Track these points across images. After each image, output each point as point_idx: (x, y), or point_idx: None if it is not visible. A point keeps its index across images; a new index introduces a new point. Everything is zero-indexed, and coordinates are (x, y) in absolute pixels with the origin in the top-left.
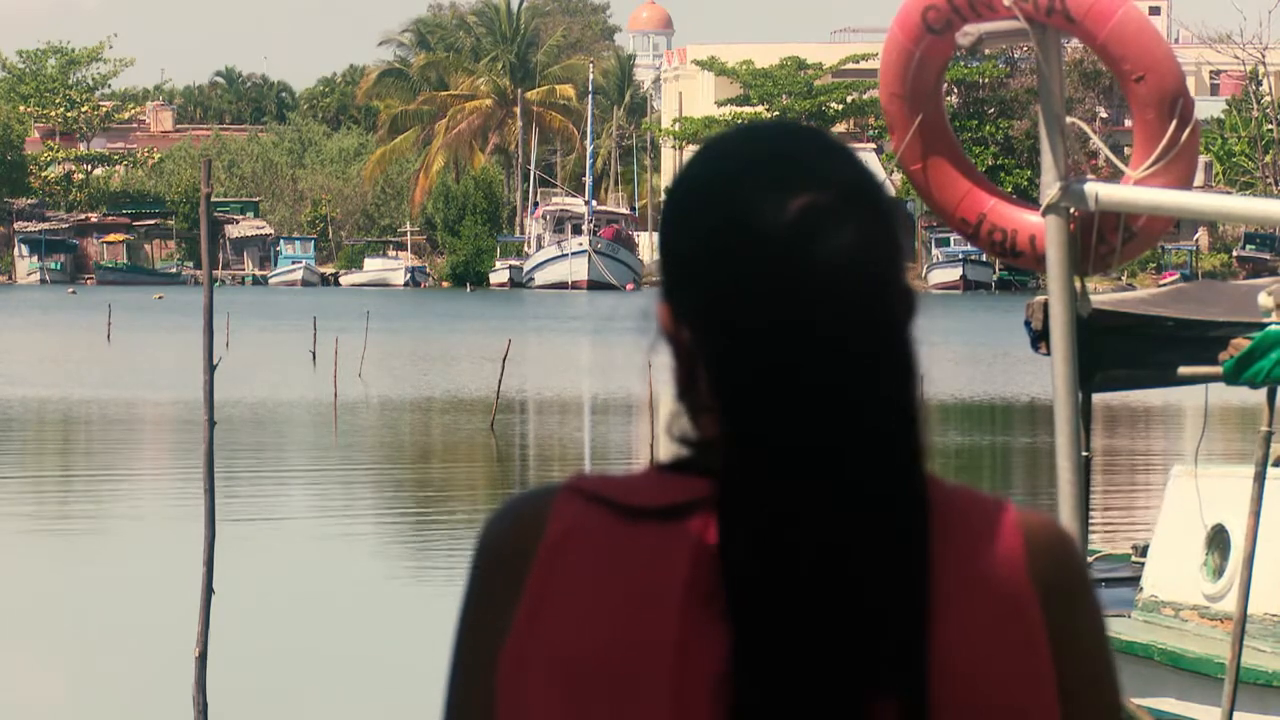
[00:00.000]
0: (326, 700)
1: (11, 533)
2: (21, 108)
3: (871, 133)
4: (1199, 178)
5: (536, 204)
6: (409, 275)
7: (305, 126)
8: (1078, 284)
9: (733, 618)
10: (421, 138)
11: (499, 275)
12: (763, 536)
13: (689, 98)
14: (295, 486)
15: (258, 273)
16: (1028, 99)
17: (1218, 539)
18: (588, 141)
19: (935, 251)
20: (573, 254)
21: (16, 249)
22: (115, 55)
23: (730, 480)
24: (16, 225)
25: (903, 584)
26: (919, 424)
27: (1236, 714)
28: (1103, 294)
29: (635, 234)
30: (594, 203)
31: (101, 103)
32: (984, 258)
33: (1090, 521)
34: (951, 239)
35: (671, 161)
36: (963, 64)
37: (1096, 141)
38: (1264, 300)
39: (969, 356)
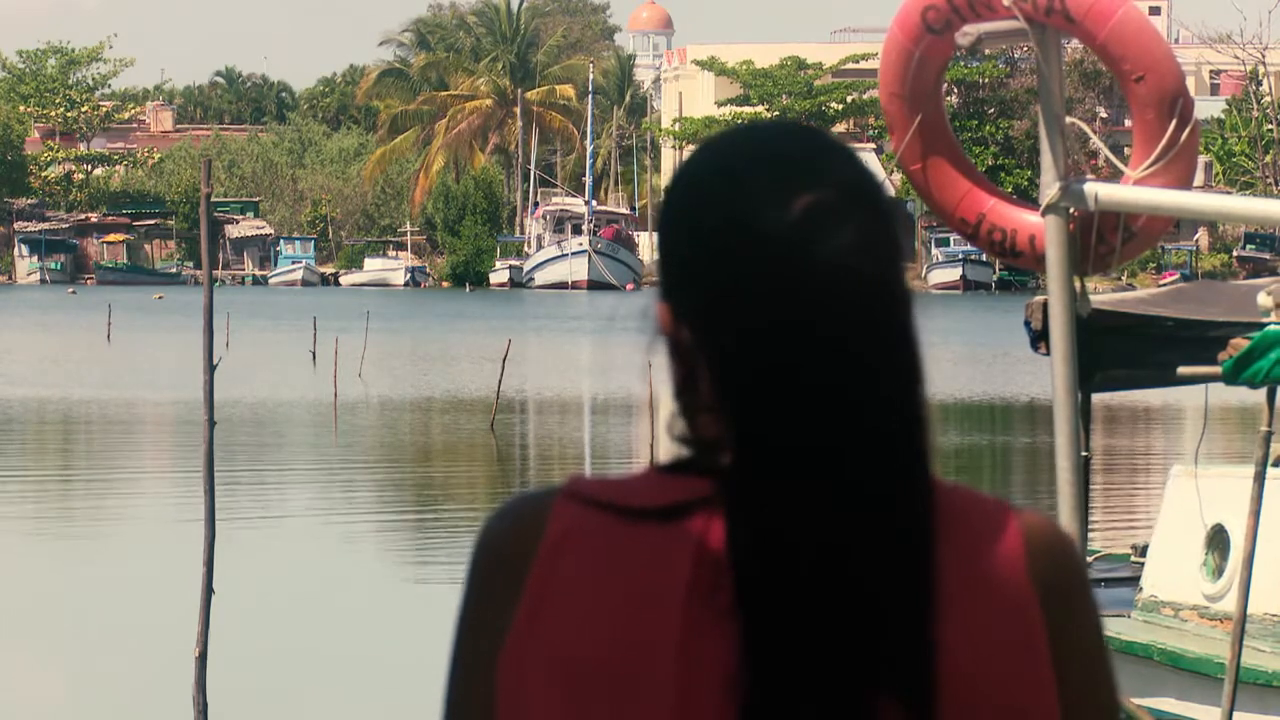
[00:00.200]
0: (326, 700)
1: (11, 533)
2: (21, 108)
3: (871, 133)
4: (1199, 178)
5: (536, 204)
6: (409, 275)
7: (305, 126)
8: (1077, 284)
9: (740, 616)
10: (421, 138)
11: (499, 275)
12: (764, 536)
13: (689, 98)
14: (295, 486)
15: (258, 273)
16: (1028, 99)
17: (1217, 539)
18: (588, 141)
19: (935, 251)
20: (573, 254)
21: (16, 249)
22: (115, 55)
23: (732, 479)
24: (16, 225)
25: (905, 584)
26: (922, 425)
27: (1236, 714)
28: (1102, 294)
29: (635, 234)
30: (594, 203)
31: (101, 103)
32: (984, 258)
33: (1090, 521)
34: (951, 239)
35: (671, 161)
36: (963, 64)
37: (1096, 141)
38: (1263, 300)
39: (969, 356)
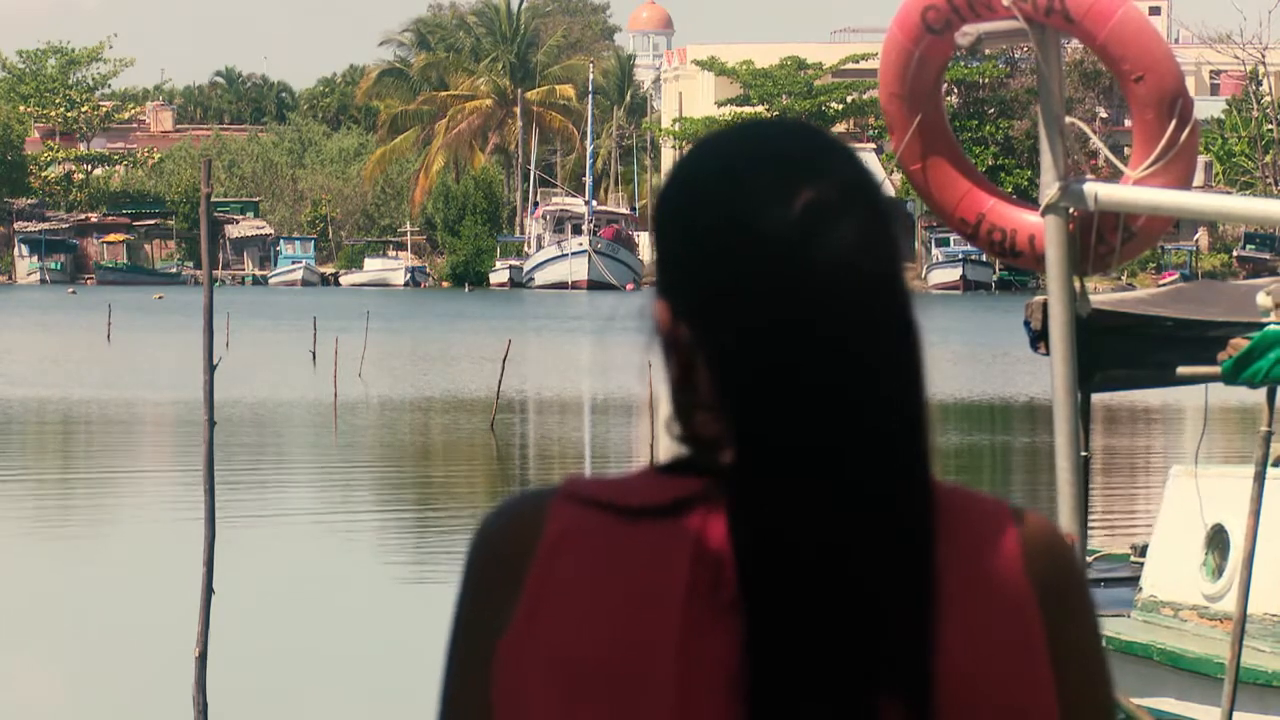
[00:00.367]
0: (326, 700)
1: (12, 533)
2: (21, 108)
3: (871, 133)
4: (1199, 178)
5: (536, 204)
6: (409, 275)
7: (305, 126)
8: (1077, 284)
9: (743, 615)
10: (421, 138)
11: (499, 275)
12: (764, 535)
13: (689, 98)
14: (295, 486)
15: (258, 273)
16: (1028, 99)
17: (1217, 539)
18: (588, 141)
19: (935, 251)
20: (573, 254)
21: (16, 249)
22: (115, 55)
23: (732, 478)
24: (16, 225)
25: (906, 584)
26: (922, 424)
27: (1236, 714)
28: (1102, 294)
29: (635, 234)
30: (594, 203)
31: (101, 103)
32: (984, 258)
33: (1089, 521)
34: (951, 239)
35: (671, 161)
36: (963, 64)
37: (1096, 141)
38: (1262, 300)
39: (969, 356)
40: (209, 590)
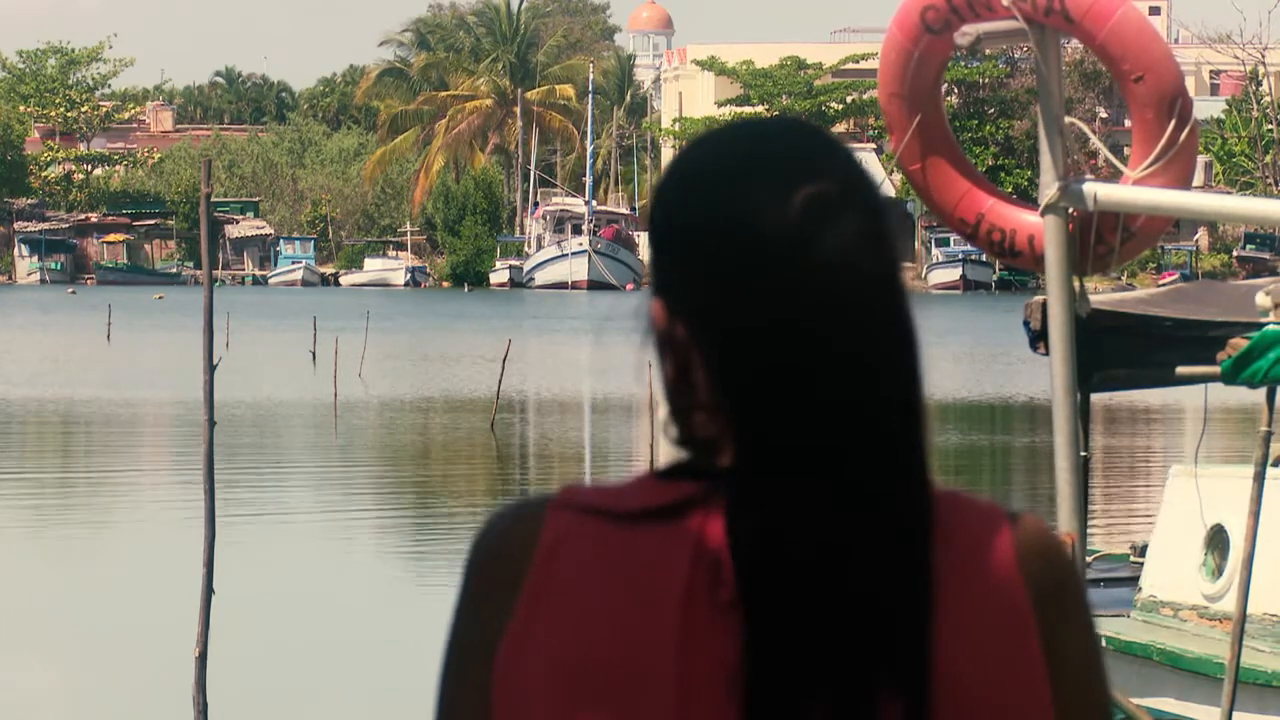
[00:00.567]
0: (327, 700)
1: (12, 532)
2: (21, 108)
3: (871, 133)
4: (1199, 178)
5: (536, 204)
6: (409, 275)
7: (305, 126)
8: (1076, 284)
9: (743, 614)
10: (421, 138)
11: (499, 275)
12: (764, 535)
13: (689, 98)
14: (295, 486)
15: (258, 273)
16: (1028, 99)
17: (1217, 539)
18: (588, 141)
19: (935, 251)
20: (573, 254)
21: (16, 249)
22: (115, 55)
23: (732, 478)
24: (16, 225)
25: (904, 583)
26: (921, 424)
27: (1236, 714)
28: (1102, 294)
29: (635, 234)
30: (594, 203)
31: (101, 103)
32: (984, 258)
33: (1089, 521)
34: (951, 239)
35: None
36: (963, 64)
37: (1095, 142)
38: (1262, 300)
39: (968, 356)
40: (209, 590)
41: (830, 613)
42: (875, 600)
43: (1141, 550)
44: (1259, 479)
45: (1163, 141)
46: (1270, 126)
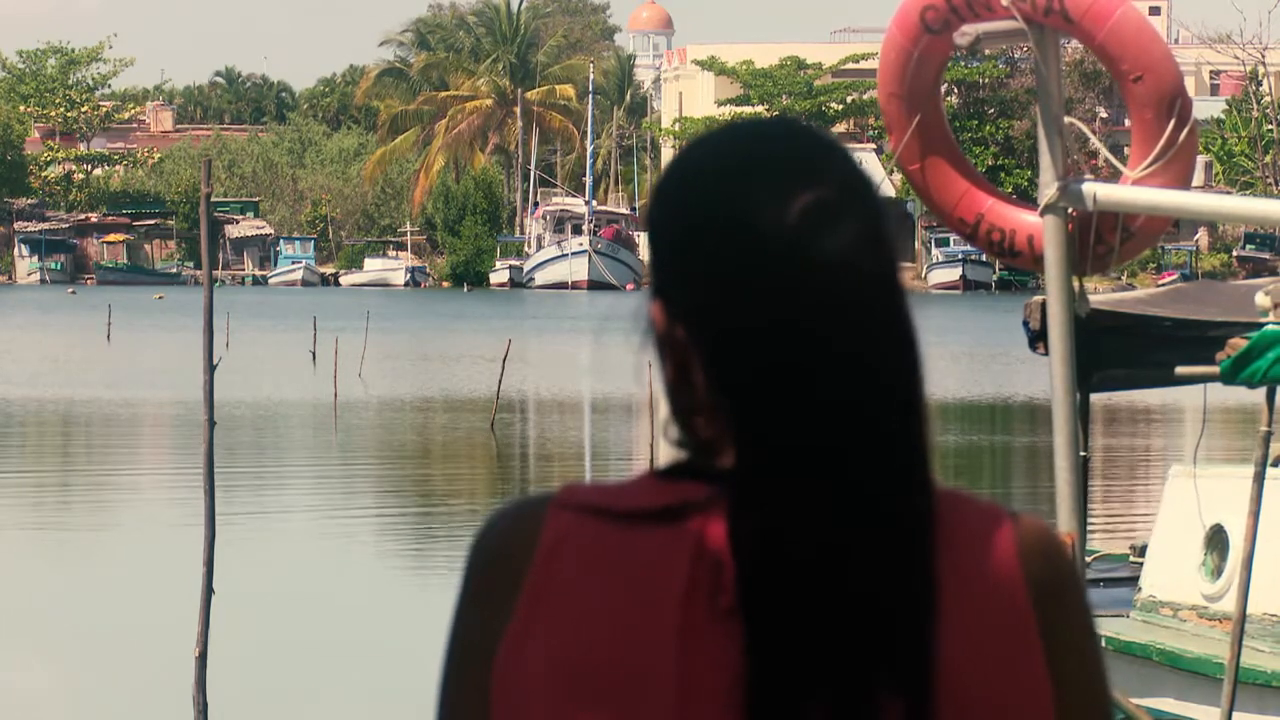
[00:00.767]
0: (327, 700)
1: (12, 532)
2: (21, 108)
3: (871, 133)
4: (1199, 177)
5: (536, 204)
6: (409, 275)
7: (305, 126)
8: (1076, 284)
9: (745, 615)
10: (421, 138)
11: (499, 275)
12: (764, 535)
13: (689, 98)
14: (295, 486)
15: (258, 273)
16: (1028, 99)
17: (1216, 539)
18: (588, 141)
19: (935, 251)
20: (573, 254)
21: (16, 249)
22: (115, 55)
23: (733, 478)
24: (16, 225)
25: (905, 583)
26: (922, 423)
27: (1235, 714)
28: (1102, 294)
29: (635, 234)
30: (594, 203)
31: (101, 103)
32: (984, 258)
33: (1088, 521)
34: (951, 239)
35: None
36: (963, 64)
37: (1095, 142)
38: (1261, 300)
39: (968, 356)
40: (209, 590)
41: (831, 613)
42: (876, 600)
43: (1141, 550)
44: (1259, 479)
45: (1162, 141)
46: (1270, 126)
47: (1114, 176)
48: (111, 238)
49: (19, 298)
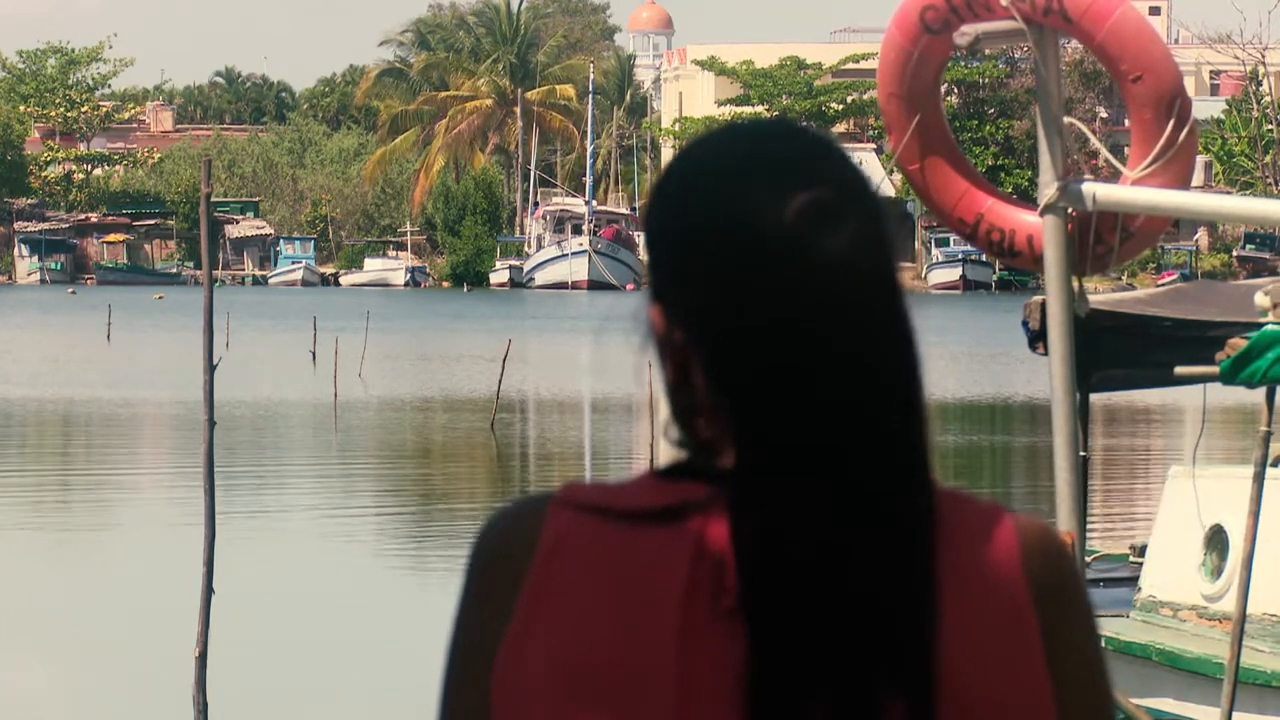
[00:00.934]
0: (326, 700)
1: (11, 532)
2: (21, 108)
3: (871, 133)
4: (1199, 177)
5: (536, 204)
6: (409, 275)
7: (305, 126)
8: (1075, 284)
9: (746, 615)
10: (421, 138)
11: (499, 275)
12: (765, 535)
13: (689, 98)
14: (295, 486)
15: (258, 273)
16: (1028, 99)
17: (1216, 539)
18: (588, 141)
19: (935, 251)
20: (573, 254)
21: (16, 249)
22: (115, 55)
23: (733, 479)
24: (16, 225)
25: (906, 583)
26: (921, 423)
27: (1235, 714)
28: (1102, 294)
29: (635, 234)
30: (594, 203)
31: (101, 103)
32: (984, 258)
33: (1088, 521)
34: (951, 239)
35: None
36: (963, 64)
37: (1095, 142)
38: (1260, 300)
39: (968, 356)
40: (209, 590)
41: (831, 613)
42: (876, 600)
43: (1141, 550)
44: (1258, 479)
45: (1161, 141)
46: (1270, 126)
47: (1114, 176)
48: (111, 238)
49: (19, 298)
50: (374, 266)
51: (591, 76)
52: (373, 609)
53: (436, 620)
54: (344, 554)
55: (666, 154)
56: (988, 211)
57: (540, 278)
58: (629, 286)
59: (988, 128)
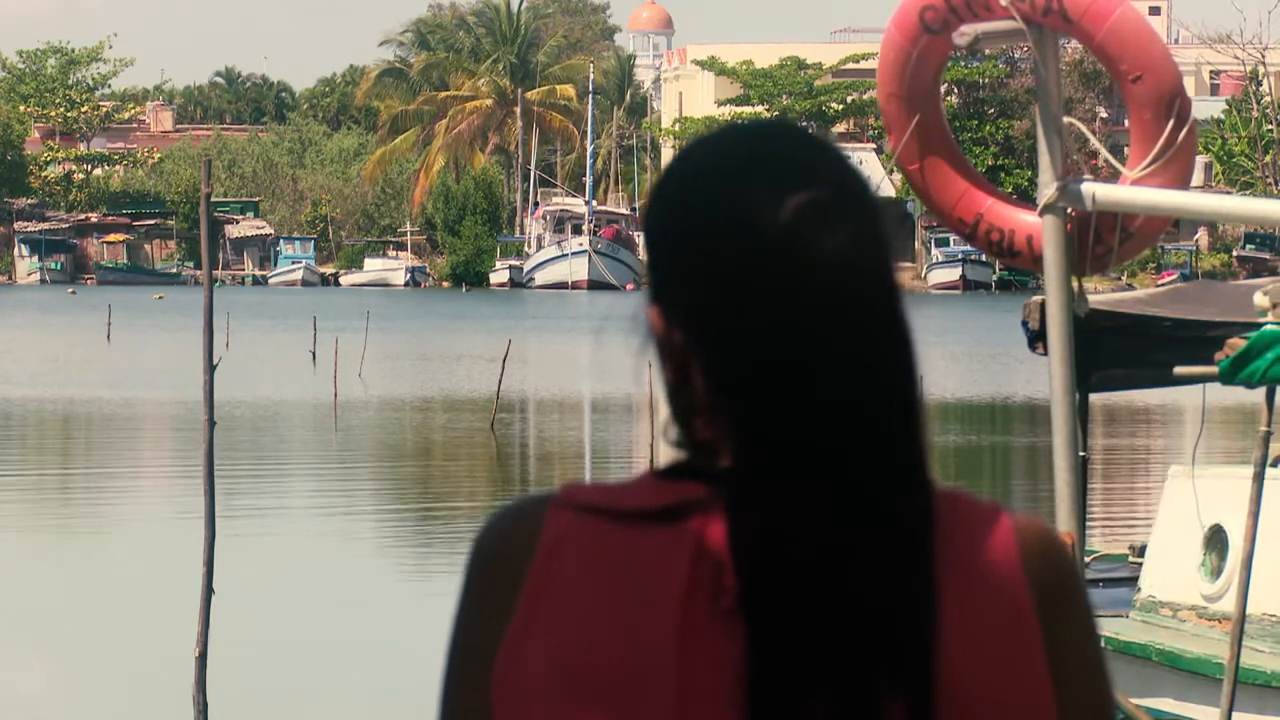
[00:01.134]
0: (326, 700)
1: (12, 533)
2: (21, 108)
3: (871, 133)
4: (1198, 177)
5: (536, 204)
6: (409, 275)
7: (305, 126)
8: (1075, 284)
9: (745, 615)
10: (421, 138)
11: (499, 275)
12: (765, 535)
13: (689, 98)
14: (295, 486)
15: (258, 273)
16: (1028, 99)
17: (1216, 539)
18: (588, 141)
19: (935, 251)
20: (573, 254)
21: (16, 249)
22: (115, 55)
23: (732, 479)
24: (16, 225)
25: (905, 584)
26: (920, 422)
27: (1235, 714)
28: (1101, 294)
29: (635, 234)
30: (594, 203)
31: (101, 103)
32: (984, 258)
33: (1088, 521)
34: (951, 239)
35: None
36: (963, 64)
37: (1094, 142)
38: (1260, 300)
39: (968, 356)
40: (209, 590)
41: (831, 613)
42: (876, 600)
43: (1140, 550)
44: (1258, 479)
45: (1161, 141)
46: (1270, 126)
47: (1114, 176)
48: (111, 238)
49: (19, 298)
50: (374, 266)
51: (591, 76)
52: (373, 609)
53: (436, 620)
54: (344, 554)
55: (666, 154)
56: (987, 211)
57: (540, 278)
58: (629, 286)
59: (988, 128)
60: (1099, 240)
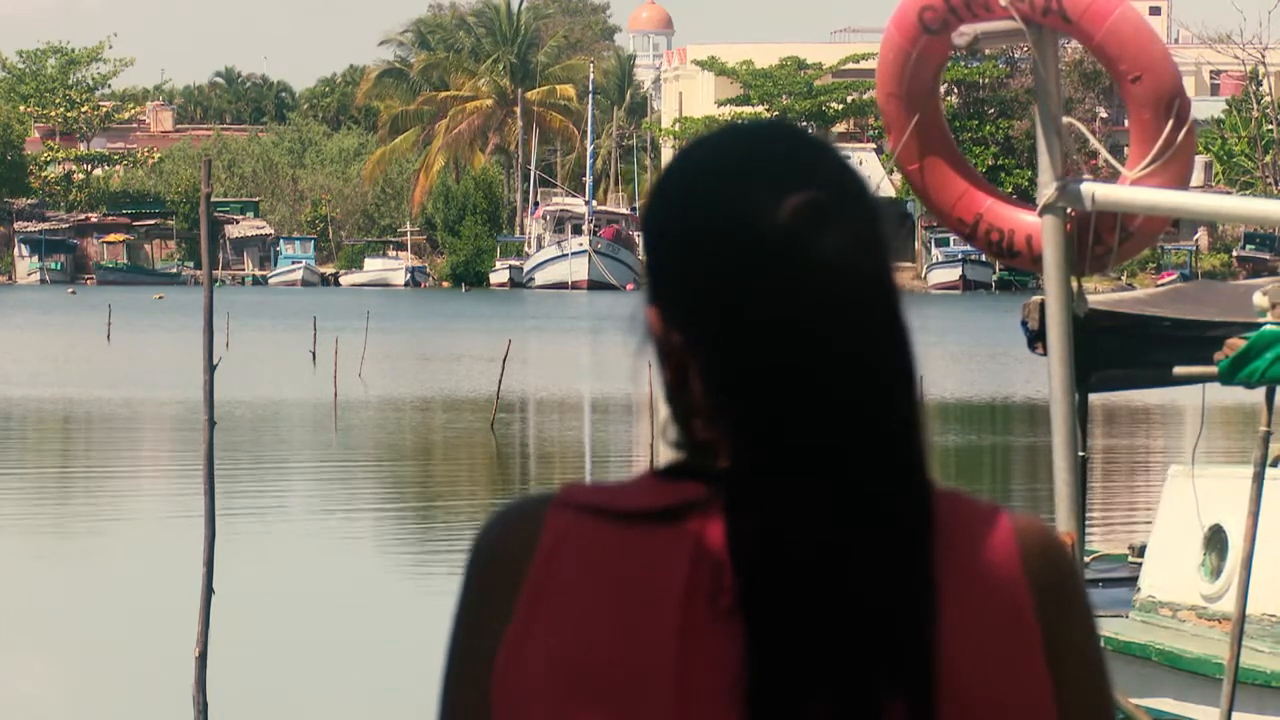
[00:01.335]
0: (326, 700)
1: (11, 532)
2: (21, 108)
3: (871, 133)
4: (1198, 177)
5: (536, 204)
6: (409, 275)
7: (305, 126)
8: (1074, 284)
9: (745, 615)
10: (422, 138)
11: (499, 275)
12: (764, 536)
13: (689, 98)
14: (295, 486)
15: (258, 273)
16: (1028, 99)
17: (1215, 539)
18: (588, 141)
19: (935, 251)
20: (573, 254)
21: (16, 249)
22: (115, 55)
23: (731, 479)
24: (16, 225)
25: (905, 584)
26: (919, 422)
27: (1235, 714)
28: (1101, 294)
29: (635, 234)
30: (594, 203)
31: (101, 103)
32: (984, 258)
33: (1087, 522)
34: (951, 239)
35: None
36: (962, 64)
37: (1094, 142)
38: (1259, 300)
39: (967, 356)
40: (209, 590)
41: (831, 613)
42: (876, 600)
43: (1140, 550)
44: (1258, 479)
45: (1160, 141)
46: (1270, 126)
47: (1113, 176)
48: (111, 238)
49: (19, 298)
50: (374, 266)
51: (591, 76)
52: (373, 609)
53: (436, 620)
54: (344, 554)
55: (666, 154)
56: (987, 211)
57: (540, 278)
58: (629, 286)
59: (988, 128)
60: (1098, 240)
